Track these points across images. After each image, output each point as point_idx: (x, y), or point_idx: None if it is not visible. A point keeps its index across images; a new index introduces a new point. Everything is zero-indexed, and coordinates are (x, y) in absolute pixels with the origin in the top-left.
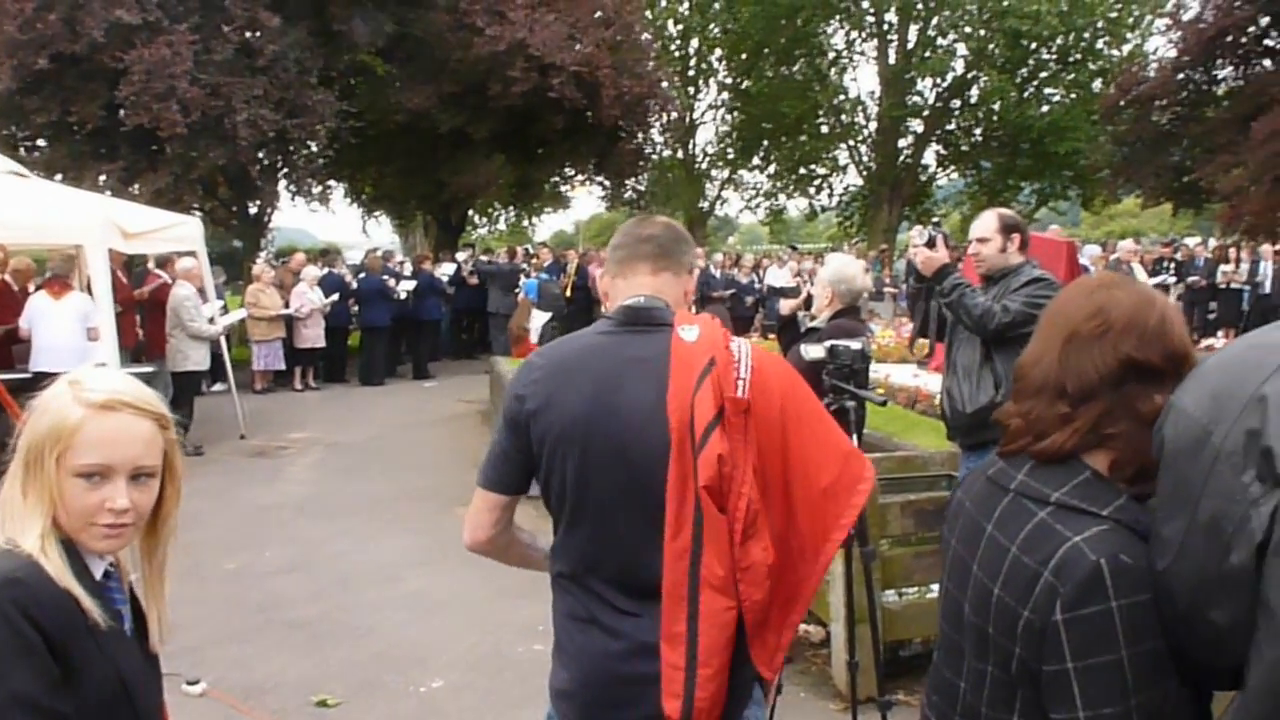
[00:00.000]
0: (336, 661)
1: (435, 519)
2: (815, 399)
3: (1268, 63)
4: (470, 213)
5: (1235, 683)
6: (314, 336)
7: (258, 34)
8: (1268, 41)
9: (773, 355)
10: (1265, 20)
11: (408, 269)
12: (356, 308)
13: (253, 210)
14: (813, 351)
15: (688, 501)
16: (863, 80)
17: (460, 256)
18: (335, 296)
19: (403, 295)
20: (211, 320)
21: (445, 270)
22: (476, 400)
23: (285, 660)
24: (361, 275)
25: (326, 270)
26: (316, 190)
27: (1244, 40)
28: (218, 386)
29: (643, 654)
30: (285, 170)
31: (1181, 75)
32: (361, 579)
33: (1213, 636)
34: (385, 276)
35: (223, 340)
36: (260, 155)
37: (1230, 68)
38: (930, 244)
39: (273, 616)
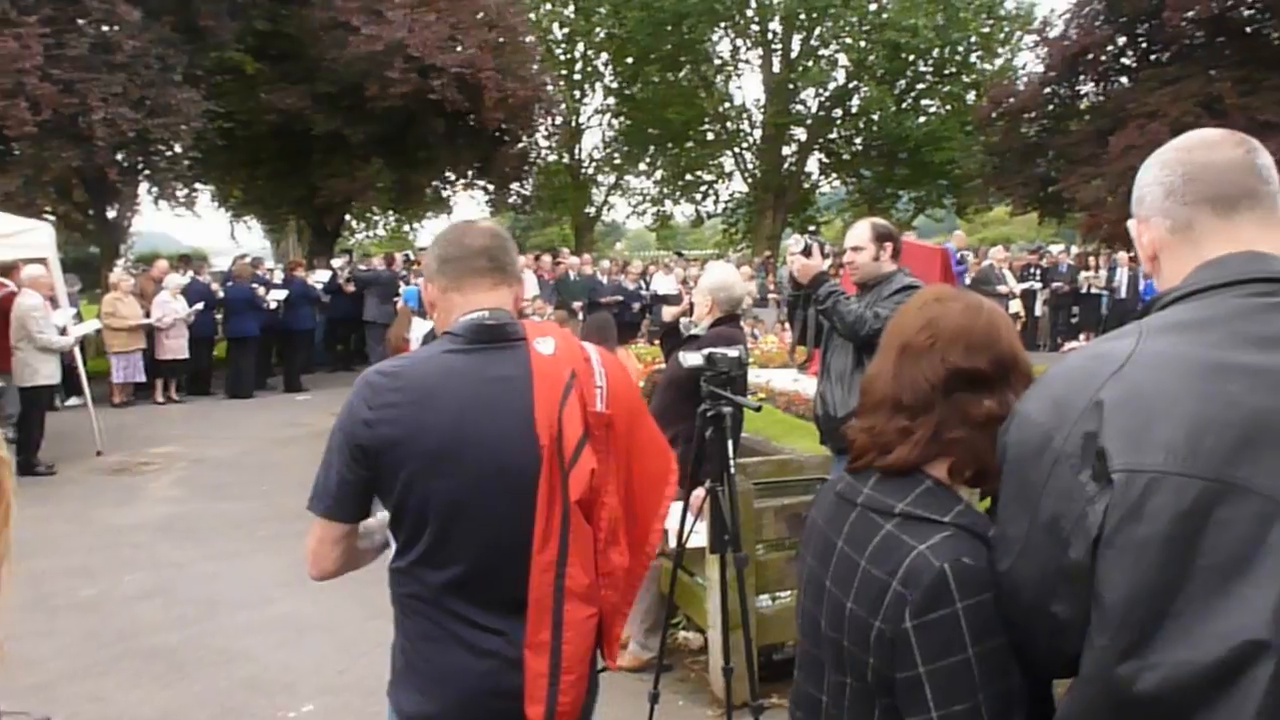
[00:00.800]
0: (200, 691)
1: (304, 539)
2: (639, 393)
3: (1125, 80)
4: (347, 218)
5: (1074, 670)
6: (177, 348)
7: (116, 28)
8: (1125, 60)
9: (611, 356)
10: (1122, 40)
11: (279, 277)
12: (223, 317)
13: (111, 214)
14: (691, 359)
15: (555, 515)
16: (748, 88)
17: (336, 263)
18: (200, 305)
19: (273, 305)
20: (63, 331)
21: (319, 278)
22: None
23: (145, 692)
24: (229, 283)
25: (191, 278)
26: (181, 194)
27: (1104, 58)
28: (73, 401)
29: (512, 669)
30: (147, 173)
31: (1048, 90)
32: (227, 603)
33: (1055, 628)
34: (255, 284)
35: (76, 352)
36: (119, 157)
37: (1092, 84)
38: (807, 252)
39: (132, 646)
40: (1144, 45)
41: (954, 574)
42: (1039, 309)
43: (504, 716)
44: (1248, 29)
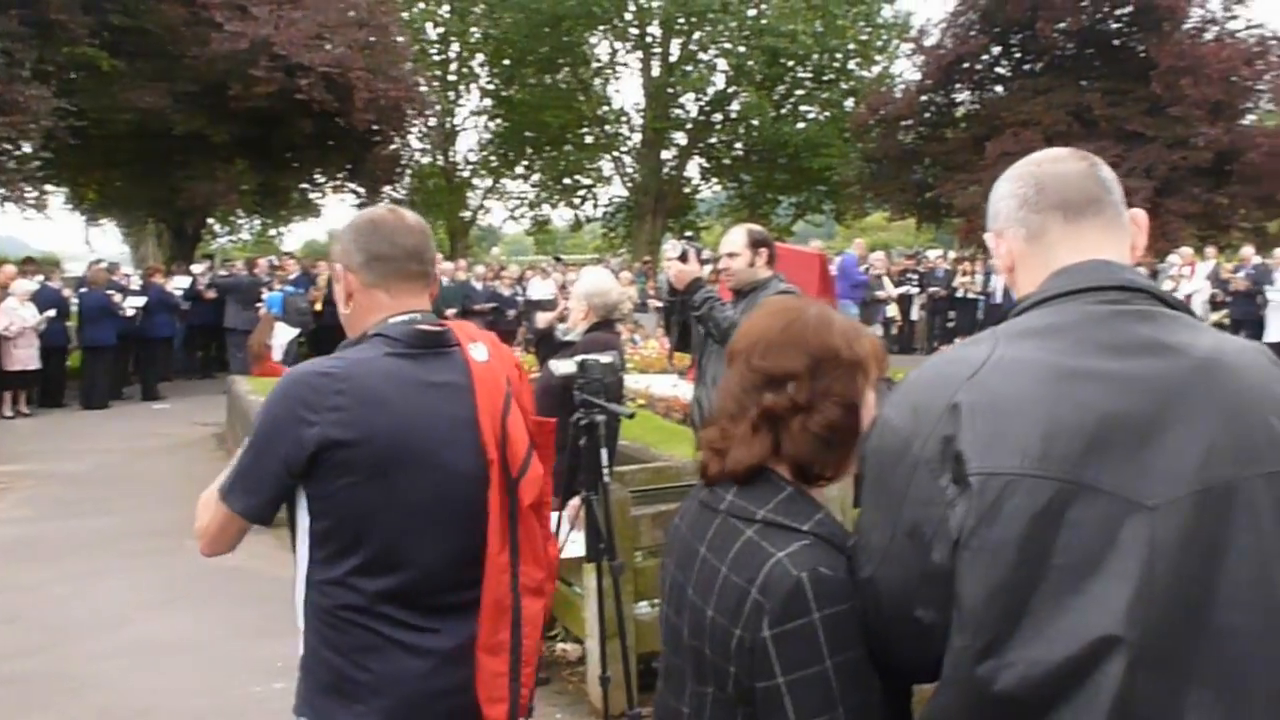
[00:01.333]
0: None
1: (166, 556)
2: None
3: (1000, 89)
4: (210, 221)
5: (938, 675)
6: (26, 358)
7: None
8: (1000, 69)
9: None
10: (997, 50)
11: (136, 283)
12: (77, 325)
13: None
14: (563, 367)
15: (507, 520)
16: (627, 92)
17: (196, 269)
18: (51, 313)
19: (130, 312)
20: None
21: (179, 284)
22: (212, 423)
23: None
24: (83, 289)
25: (41, 283)
26: (31, 196)
27: (979, 67)
28: None
29: (448, 664)
30: None
31: (925, 98)
32: (82, 627)
33: (919, 633)
34: (110, 291)
35: None
36: None
37: (967, 92)
38: (683, 257)
39: None
40: (1018, 55)
41: (811, 584)
42: (916, 313)
43: (447, 713)
44: (1115, 42)
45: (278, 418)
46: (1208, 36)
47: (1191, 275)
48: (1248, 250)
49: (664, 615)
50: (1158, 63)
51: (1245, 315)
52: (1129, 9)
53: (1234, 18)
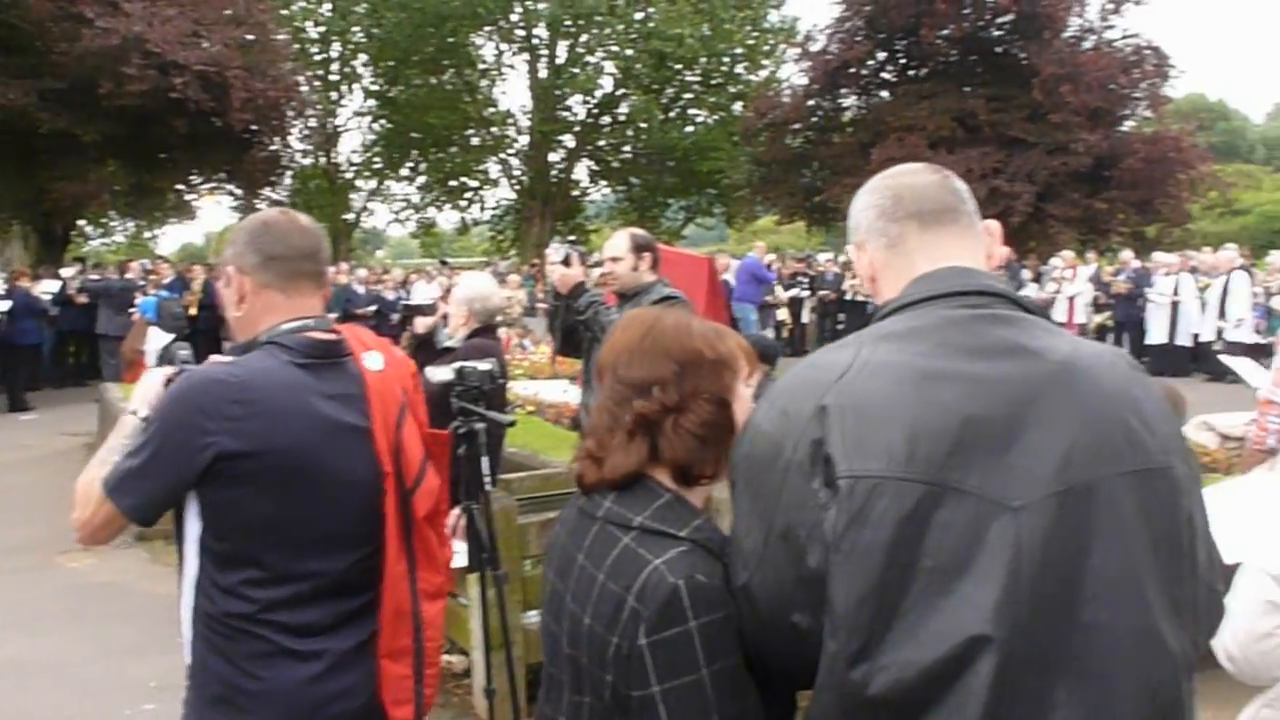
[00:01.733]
0: None
1: (33, 574)
2: None
3: (885, 94)
4: (81, 223)
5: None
6: None
7: None
8: (885, 75)
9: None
10: (882, 55)
11: (1, 287)
12: None
13: None
14: (440, 374)
15: (403, 530)
16: (514, 93)
17: (66, 273)
18: None
19: None
20: None
21: (47, 288)
22: (83, 432)
23: None
24: None
25: None
26: None
27: (865, 73)
28: None
29: (340, 669)
30: None
31: (811, 102)
32: None
33: (796, 639)
34: None
35: None
36: None
37: (853, 97)
38: (566, 261)
39: None
40: (902, 61)
41: (689, 591)
42: (806, 316)
43: (339, 716)
44: (998, 49)
45: (174, 423)
46: (1086, 45)
47: (1074, 278)
48: (1127, 254)
49: (544, 624)
50: (1039, 70)
51: (1127, 317)
52: (1010, 17)
53: (1110, 27)
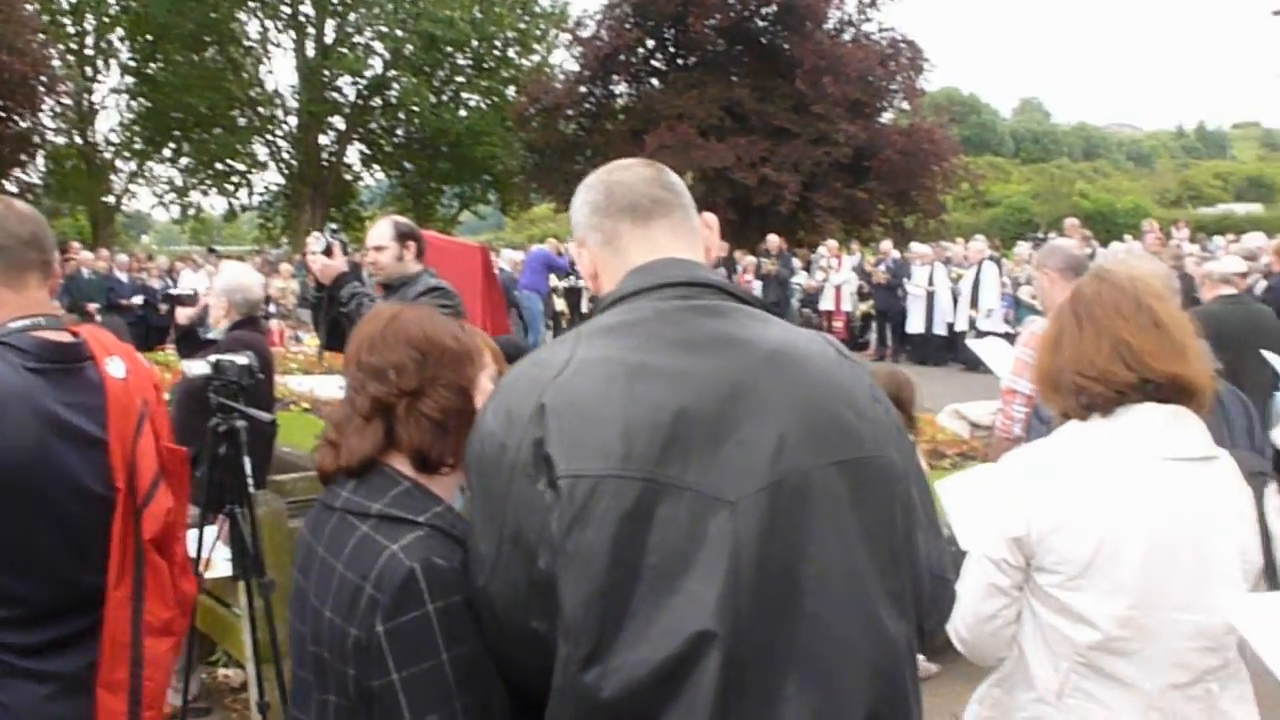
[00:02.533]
0: None
1: None
2: None
3: (656, 82)
4: None
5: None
6: None
7: None
8: (655, 63)
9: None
10: (652, 43)
11: None
12: None
13: None
14: (195, 368)
15: (129, 552)
16: (280, 73)
17: None
18: None
19: None
20: None
21: None
22: None
23: None
24: None
25: None
26: None
27: (634, 61)
28: None
29: (69, 692)
30: None
31: (583, 89)
32: None
33: (536, 643)
34: None
35: None
36: None
37: (625, 85)
38: (328, 251)
39: None
40: (672, 50)
41: (425, 574)
42: (585, 305)
43: None
44: (763, 40)
45: None
46: (846, 38)
47: (839, 267)
48: (886, 244)
49: (291, 625)
50: (801, 61)
51: (888, 306)
52: (773, 8)
53: (868, 20)
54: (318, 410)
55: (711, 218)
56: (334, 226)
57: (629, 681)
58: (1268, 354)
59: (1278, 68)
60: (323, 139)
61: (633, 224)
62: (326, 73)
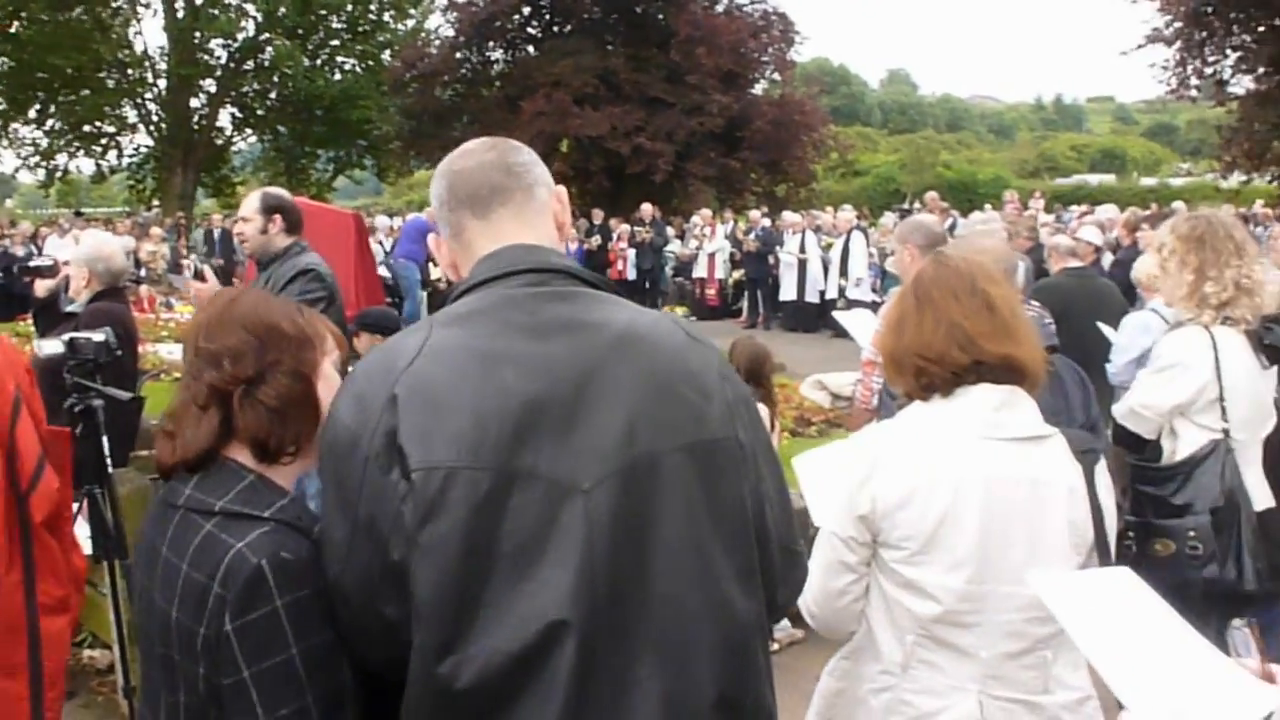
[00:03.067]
0: None
1: None
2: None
3: (532, 49)
4: None
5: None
6: None
7: None
8: (531, 30)
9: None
10: (528, 10)
11: None
12: None
13: None
14: (48, 347)
15: (16, 536)
16: (149, 34)
17: None
18: None
19: None
20: None
21: None
22: None
23: None
24: None
25: None
26: None
27: (510, 27)
28: None
29: None
30: None
31: (460, 54)
32: None
33: (389, 629)
34: None
35: None
36: None
37: (501, 51)
38: (199, 276)
39: None
40: (548, 16)
41: (272, 570)
42: None
43: None
44: (638, 9)
45: None
46: (719, 9)
47: (713, 235)
48: (756, 214)
49: (139, 625)
50: (676, 32)
51: (759, 274)
52: None
53: None
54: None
55: (561, 190)
56: (204, 251)
57: (484, 670)
58: (1104, 326)
59: (1124, 46)
60: (194, 102)
61: (474, 215)
62: (198, 35)
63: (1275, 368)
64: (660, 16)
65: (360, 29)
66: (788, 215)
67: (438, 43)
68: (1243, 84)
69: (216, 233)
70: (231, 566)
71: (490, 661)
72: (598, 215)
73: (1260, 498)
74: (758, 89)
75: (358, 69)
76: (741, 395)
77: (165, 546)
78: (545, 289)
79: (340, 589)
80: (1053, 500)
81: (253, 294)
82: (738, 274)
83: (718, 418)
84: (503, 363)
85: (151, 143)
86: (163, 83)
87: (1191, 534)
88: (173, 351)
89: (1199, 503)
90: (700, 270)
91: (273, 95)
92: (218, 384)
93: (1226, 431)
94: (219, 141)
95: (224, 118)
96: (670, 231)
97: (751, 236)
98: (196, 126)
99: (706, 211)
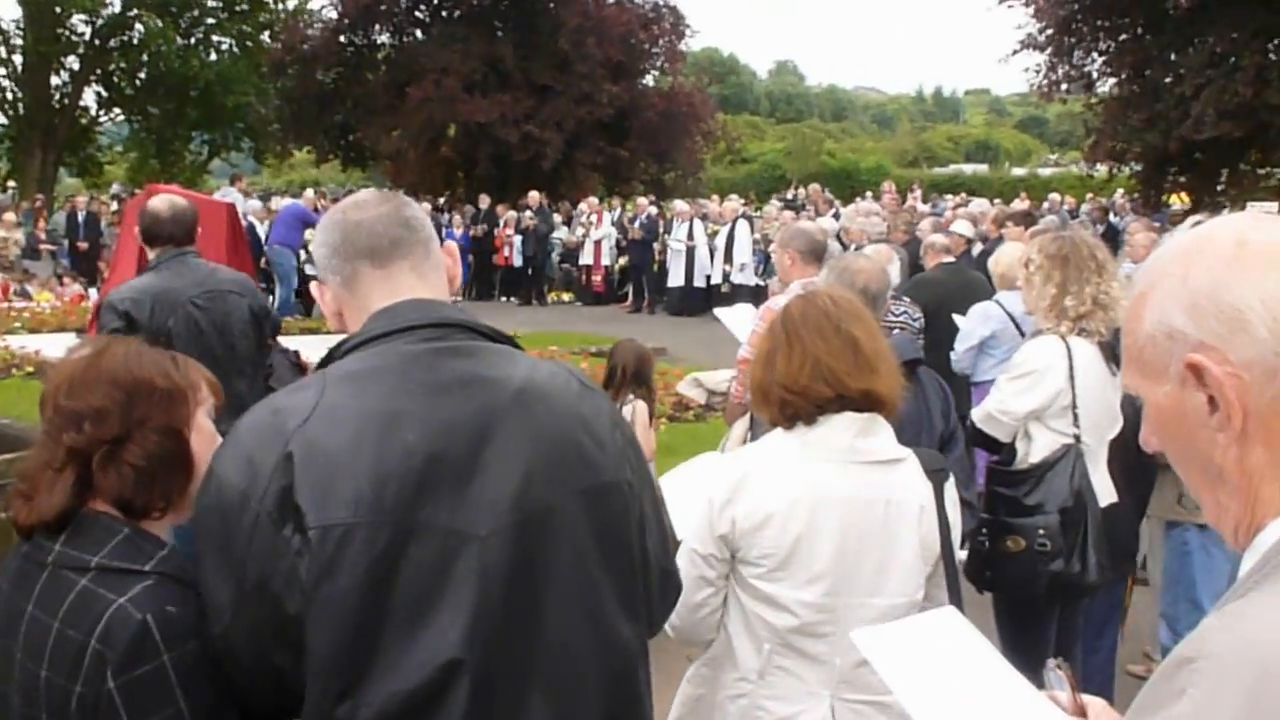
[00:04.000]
0: None
1: None
2: None
3: (420, 34)
4: None
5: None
6: None
7: None
8: (418, 14)
9: None
10: None
11: None
12: None
13: None
14: None
15: None
16: (3, 8)
17: None
18: None
19: None
20: None
21: None
22: None
23: None
24: None
25: None
26: None
27: (397, 10)
28: None
29: None
30: None
31: (343, 38)
32: None
33: (280, 679)
34: None
35: None
36: None
37: (387, 35)
38: None
39: None
40: (436, 2)
41: (158, 625)
42: None
43: None
44: None
45: None
46: (609, 0)
47: (599, 223)
48: (643, 201)
49: None
50: (565, 21)
51: (644, 261)
52: None
53: None
54: (46, 374)
55: (451, 245)
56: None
57: (382, 713)
58: (957, 317)
59: (1001, 40)
60: (55, 80)
61: (372, 266)
62: (58, 9)
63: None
64: (550, 5)
65: (238, 8)
66: (677, 204)
67: (320, 25)
68: (1107, 85)
69: (80, 215)
70: (113, 623)
71: (388, 705)
72: (484, 202)
73: (1105, 494)
74: (648, 79)
75: (234, 50)
76: (630, 439)
77: (31, 605)
78: (444, 344)
79: (228, 644)
80: (905, 518)
81: (122, 345)
82: (624, 260)
83: (609, 464)
84: (405, 422)
85: (6, 122)
86: (19, 59)
87: (1041, 532)
88: (25, 345)
89: (1049, 503)
90: (587, 257)
91: (142, 75)
92: (77, 446)
93: (1078, 437)
94: (84, 121)
95: (89, 96)
96: (556, 219)
97: (636, 225)
98: (57, 105)
99: (593, 199)
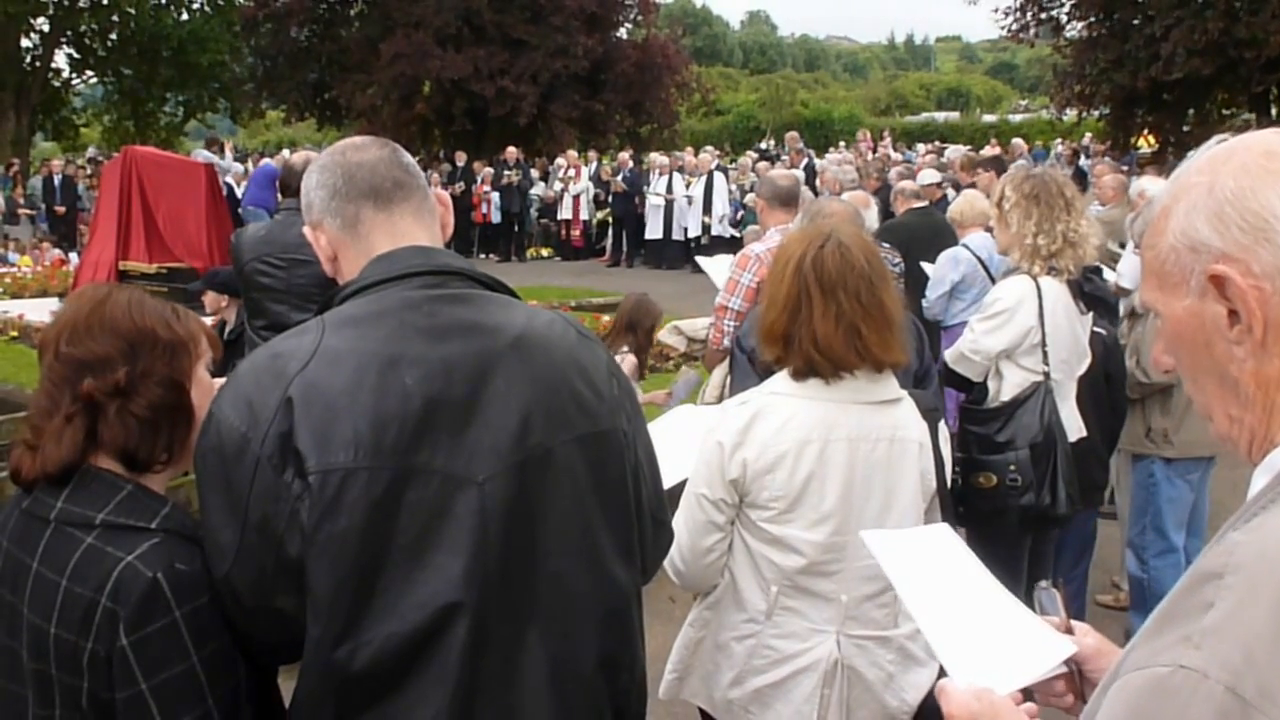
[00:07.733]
0: None
1: None
2: None
3: None
4: None
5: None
6: None
7: None
8: None
9: None
10: None
11: None
12: None
13: None
14: None
15: None
16: None
17: None
18: None
19: None
20: None
21: None
22: None
23: None
24: None
25: None
26: None
27: None
28: None
29: None
30: None
31: None
32: None
33: (282, 621)
34: None
35: None
36: None
37: None
38: None
39: None
40: None
41: (169, 582)
42: None
43: None
44: None
45: None
46: None
47: (578, 177)
48: (624, 156)
49: None
50: None
51: (625, 213)
52: None
53: None
54: (29, 338)
55: (445, 195)
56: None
57: (380, 655)
58: (926, 265)
59: None
60: (25, 42)
61: (375, 208)
62: None
63: (1091, 314)
64: None
65: None
66: (655, 157)
67: None
68: (1076, 28)
69: (57, 179)
70: (123, 580)
71: (386, 646)
72: (460, 158)
73: (1074, 429)
74: (622, 32)
75: (206, 8)
76: (626, 389)
77: (36, 561)
78: (443, 291)
79: (230, 586)
80: (907, 456)
81: (125, 293)
82: (602, 214)
83: (606, 411)
84: (404, 366)
85: None
86: None
87: (1012, 467)
88: (7, 310)
89: (1020, 439)
90: (565, 212)
91: (114, 35)
92: (89, 395)
93: (1047, 374)
94: (56, 83)
95: (60, 58)
96: (534, 174)
97: (619, 178)
98: (29, 68)
99: (572, 154)
